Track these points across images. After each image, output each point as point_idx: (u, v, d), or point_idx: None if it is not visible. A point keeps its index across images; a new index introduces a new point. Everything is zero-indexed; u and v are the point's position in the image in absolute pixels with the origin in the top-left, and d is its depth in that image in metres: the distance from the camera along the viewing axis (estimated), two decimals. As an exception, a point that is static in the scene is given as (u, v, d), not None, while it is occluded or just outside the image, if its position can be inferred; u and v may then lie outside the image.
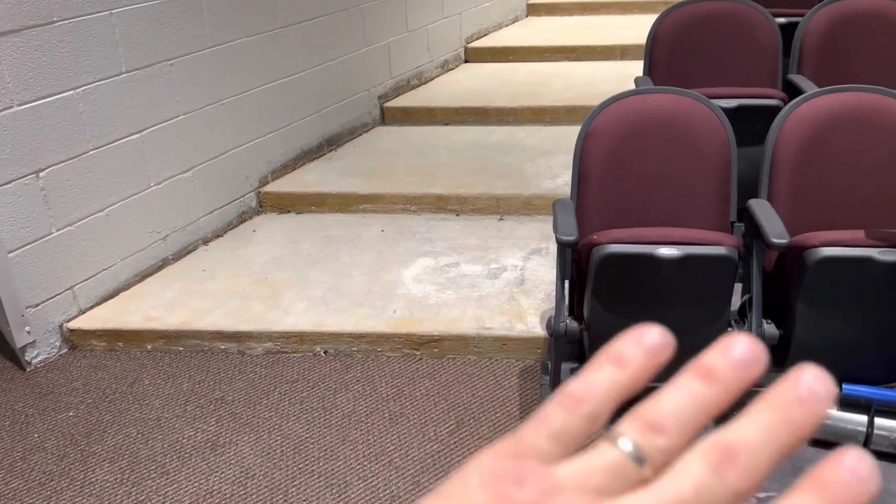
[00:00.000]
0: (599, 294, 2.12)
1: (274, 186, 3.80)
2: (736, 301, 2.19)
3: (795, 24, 3.14)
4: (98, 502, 2.17)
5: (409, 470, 2.22)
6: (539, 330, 2.67)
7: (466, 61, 5.50)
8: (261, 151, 3.74)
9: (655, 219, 2.33)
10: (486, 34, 5.78)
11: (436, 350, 2.72)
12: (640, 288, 2.10)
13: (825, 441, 2.13)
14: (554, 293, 2.28)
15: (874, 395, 2.10)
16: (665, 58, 3.19)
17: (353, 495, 2.14)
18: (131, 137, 3.05)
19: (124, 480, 2.25)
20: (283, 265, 3.23)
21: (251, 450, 2.33)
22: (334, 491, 2.16)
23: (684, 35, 3.16)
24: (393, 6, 4.62)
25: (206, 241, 3.48)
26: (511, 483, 0.26)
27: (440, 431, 2.36)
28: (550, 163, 3.82)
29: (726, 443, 0.25)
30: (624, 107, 2.37)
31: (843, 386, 2.13)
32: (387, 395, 2.53)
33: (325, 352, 2.78)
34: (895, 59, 3.04)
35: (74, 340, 2.91)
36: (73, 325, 2.90)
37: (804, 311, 2.08)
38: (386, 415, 2.44)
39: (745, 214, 2.23)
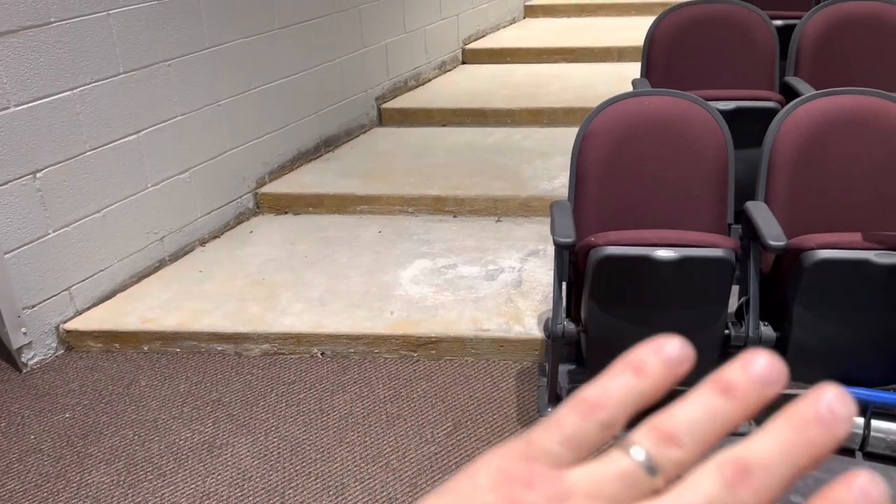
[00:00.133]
0: (597, 296, 2.12)
1: (271, 187, 3.79)
2: (733, 303, 2.19)
3: (792, 27, 3.14)
4: (94, 504, 2.17)
5: (406, 472, 2.21)
6: (536, 332, 2.67)
7: (464, 63, 5.51)
8: (258, 152, 3.74)
9: (653, 221, 2.33)
10: (483, 36, 5.78)
11: (433, 352, 2.72)
12: (638, 290, 2.10)
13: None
14: (551, 295, 2.29)
15: (871, 397, 2.10)
16: (663, 60, 3.19)
17: (350, 497, 2.13)
18: (128, 138, 3.04)
19: (121, 482, 2.24)
20: (280, 266, 3.23)
21: (248, 451, 2.33)
22: (331, 493, 2.15)
23: (682, 37, 3.16)
24: (391, 7, 4.62)
25: (203, 243, 3.47)
26: (520, 485, 0.26)
27: (437, 433, 2.36)
28: (548, 164, 3.82)
29: (741, 458, 0.25)
30: (621, 109, 2.37)
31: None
32: (384, 397, 2.53)
33: (323, 353, 2.78)
34: (892, 61, 3.05)
35: (71, 342, 2.90)
36: (70, 326, 2.89)
37: (801, 313, 2.08)
38: (383, 416, 2.44)
39: (742, 216, 2.23)
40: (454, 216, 3.57)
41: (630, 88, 2.68)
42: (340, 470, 2.23)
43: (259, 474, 2.24)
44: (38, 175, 2.73)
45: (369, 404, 2.50)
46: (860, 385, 2.13)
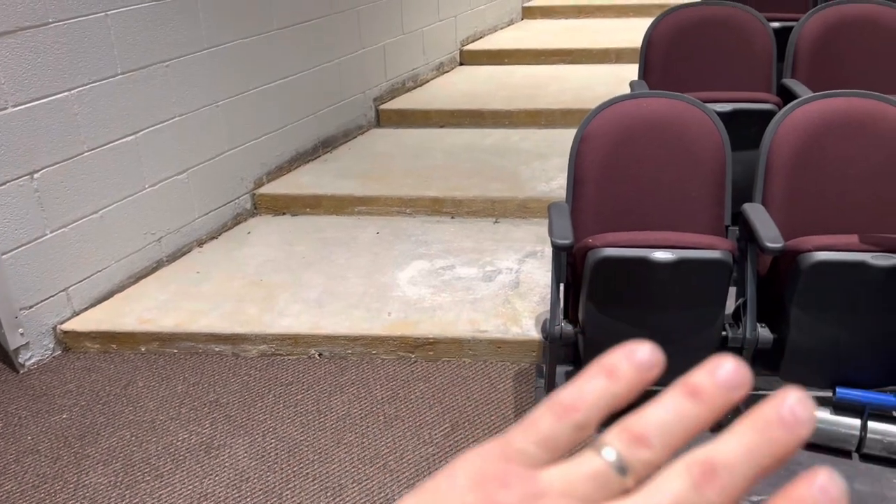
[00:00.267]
0: (594, 297, 2.12)
1: (269, 188, 3.79)
2: (730, 305, 2.20)
3: (790, 29, 3.15)
4: (91, 505, 2.17)
5: (403, 473, 2.22)
6: (534, 333, 2.67)
7: (462, 64, 5.51)
8: (256, 153, 3.74)
9: (650, 222, 2.34)
10: (481, 37, 5.78)
11: (431, 353, 2.72)
12: (635, 291, 2.10)
13: (819, 445, 2.14)
14: (549, 296, 2.29)
15: (868, 398, 2.11)
16: (660, 62, 3.19)
17: (347, 498, 2.13)
18: (126, 139, 3.04)
19: (118, 483, 2.24)
20: (277, 267, 3.23)
21: (245, 452, 2.33)
22: (329, 494, 2.15)
23: (679, 39, 3.17)
24: (389, 8, 4.62)
25: (200, 243, 3.47)
26: (497, 485, 0.27)
27: (435, 434, 2.36)
28: (546, 166, 3.82)
29: (707, 459, 0.26)
30: (619, 111, 2.37)
31: (837, 389, 2.14)
32: (381, 398, 2.53)
33: (320, 354, 2.78)
34: (888, 64, 3.05)
35: (68, 342, 2.90)
36: (67, 326, 2.89)
37: (798, 314, 2.08)
38: (381, 418, 2.44)
39: (739, 218, 2.24)
40: (452, 217, 3.57)
41: (628, 90, 2.68)
42: (338, 471, 2.23)
43: (256, 475, 2.24)
44: (36, 176, 2.73)
45: (367, 405, 2.50)
46: (857, 387, 2.14)
